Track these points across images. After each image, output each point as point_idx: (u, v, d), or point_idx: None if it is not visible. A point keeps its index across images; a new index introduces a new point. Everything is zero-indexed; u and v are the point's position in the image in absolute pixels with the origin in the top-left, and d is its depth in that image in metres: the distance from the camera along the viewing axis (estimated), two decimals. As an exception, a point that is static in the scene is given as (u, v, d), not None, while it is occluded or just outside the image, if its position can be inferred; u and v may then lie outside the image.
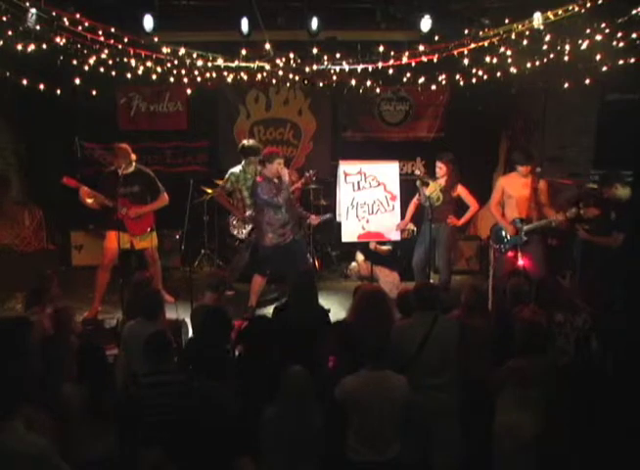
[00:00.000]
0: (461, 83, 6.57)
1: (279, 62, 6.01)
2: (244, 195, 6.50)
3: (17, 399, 3.00)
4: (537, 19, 4.81)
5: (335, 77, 6.58)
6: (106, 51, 5.48)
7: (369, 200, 6.30)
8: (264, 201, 5.95)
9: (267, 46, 5.73)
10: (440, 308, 4.05)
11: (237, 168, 6.53)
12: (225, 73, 6.35)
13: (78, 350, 3.68)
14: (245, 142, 6.70)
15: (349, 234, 6.38)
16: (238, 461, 3.30)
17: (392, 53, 5.82)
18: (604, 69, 5.54)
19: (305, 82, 6.89)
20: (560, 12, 4.66)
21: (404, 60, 5.80)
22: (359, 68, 6.14)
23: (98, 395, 3.36)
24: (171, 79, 6.52)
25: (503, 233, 6.01)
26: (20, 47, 5.07)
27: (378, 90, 7.20)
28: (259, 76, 6.45)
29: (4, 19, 4.65)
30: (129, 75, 6.22)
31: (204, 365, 3.68)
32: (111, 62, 5.78)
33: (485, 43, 5.35)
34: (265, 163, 6.01)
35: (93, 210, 6.08)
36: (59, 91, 6.46)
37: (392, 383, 3.45)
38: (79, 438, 3.32)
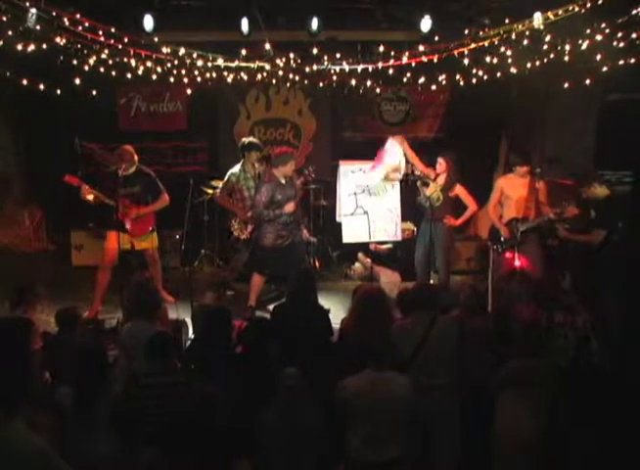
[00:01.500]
0: (461, 83, 6.56)
1: (279, 62, 6.01)
2: (244, 195, 6.47)
3: (17, 399, 3.00)
4: (537, 19, 4.82)
5: (335, 77, 6.58)
6: (106, 51, 5.49)
7: (372, 197, 6.29)
8: (269, 201, 5.93)
9: (267, 46, 5.74)
10: (440, 308, 4.05)
11: (236, 168, 6.51)
12: (225, 73, 6.35)
13: (79, 350, 3.68)
14: (245, 139, 6.69)
15: (355, 234, 6.35)
16: (238, 462, 3.30)
17: (392, 53, 5.82)
18: (604, 69, 5.54)
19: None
20: (560, 12, 4.67)
21: (404, 60, 5.80)
22: (359, 68, 6.13)
23: (98, 395, 3.36)
24: (171, 79, 6.52)
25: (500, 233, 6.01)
26: (20, 47, 5.07)
27: (378, 90, 7.20)
28: (259, 76, 6.46)
29: (4, 19, 4.66)
30: (129, 75, 6.22)
31: (204, 365, 3.68)
32: (111, 62, 5.79)
33: (485, 43, 5.35)
34: (278, 164, 6.00)
35: (93, 209, 6.07)
36: (59, 91, 6.47)
37: (394, 383, 3.43)
38: (79, 438, 3.32)
